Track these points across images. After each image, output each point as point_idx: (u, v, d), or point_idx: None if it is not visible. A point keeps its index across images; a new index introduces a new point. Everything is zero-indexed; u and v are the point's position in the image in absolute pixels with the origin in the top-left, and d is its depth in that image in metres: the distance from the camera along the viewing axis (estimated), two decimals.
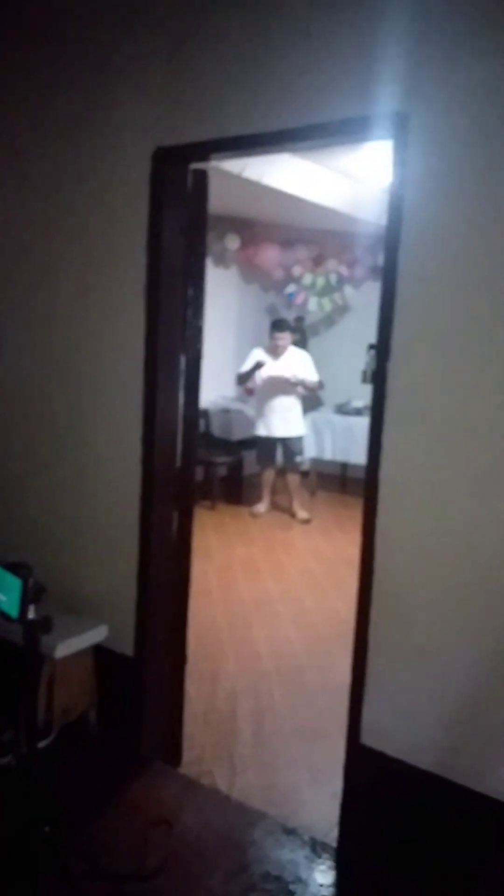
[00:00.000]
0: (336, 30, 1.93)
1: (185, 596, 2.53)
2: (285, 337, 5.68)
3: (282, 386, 5.66)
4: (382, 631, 2.01)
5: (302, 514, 5.91)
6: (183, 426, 2.43)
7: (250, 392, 6.02)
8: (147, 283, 2.36)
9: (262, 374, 5.71)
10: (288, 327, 5.73)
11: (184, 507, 2.47)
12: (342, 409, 6.58)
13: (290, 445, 5.83)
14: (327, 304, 7.08)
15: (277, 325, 5.70)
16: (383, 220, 1.92)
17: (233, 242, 6.66)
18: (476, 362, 1.81)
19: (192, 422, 2.44)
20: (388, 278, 1.89)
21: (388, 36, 1.84)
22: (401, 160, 1.85)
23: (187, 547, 2.49)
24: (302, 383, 5.65)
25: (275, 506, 6.22)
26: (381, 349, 1.93)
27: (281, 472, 6.30)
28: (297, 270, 6.98)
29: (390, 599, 1.99)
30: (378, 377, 1.94)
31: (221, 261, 6.87)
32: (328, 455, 6.54)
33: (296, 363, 5.73)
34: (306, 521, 5.83)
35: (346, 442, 6.39)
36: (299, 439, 5.88)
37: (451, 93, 1.78)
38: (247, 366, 5.74)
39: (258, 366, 5.62)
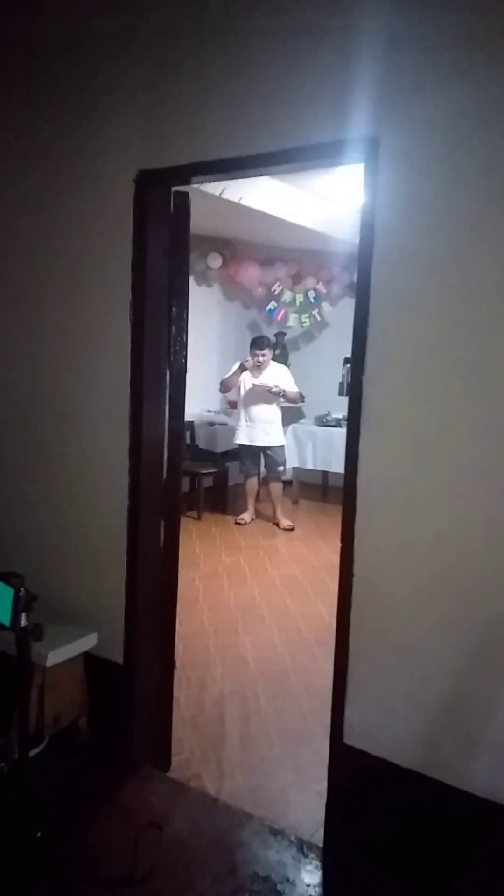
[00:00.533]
0: (311, 58, 1.97)
1: (173, 603, 2.52)
2: (266, 353, 5.71)
3: (264, 396, 5.68)
4: (362, 633, 2.02)
5: (285, 522, 5.91)
6: (168, 438, 2.43)
7: (233, 405, 6.04)
8: (132, 301, 2.37)
9: (244, 385, 5.73)
10: (268, 344, 5.76)
11: (170, 516, 2.46)
12: (322, 421, 6.62)
13: (271, 455, 5.85)
14: (306, 320, 7.13)
15: (257, 343, 5.72)
16: (357, 240, 1.94)
17: (215, 261, 6.69)
18: (447, 370, 1.84)
19: (178, 434, 2.44)
20: (362, 294, 1.92)
21: (360, 64, 1.88)
22: (372, 182, 1.88)
23: (174, 555, 2.49)
24: (283, 393, 5.68)
25: (259, 515, 6.21)
26: (356, 362, 1.95)
27: (264, 482, 6.31)
28: (276, 288, 7.03)
29: (369, 602, 2.00)
30: (354, 389, 1.96)
31: (204, 279, 6.90)
32: (310, 464, 6.56)
33: (277, 376, 5.76)
34: (289, 529, 5.83)
35: (327, 451, 6.42)
36: (281, 448, 5.90)
37: (420, 117, 1.82)
38: (231, 371, 5.77)
39: (246, 364, 5.66)
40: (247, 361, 5.68)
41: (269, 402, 5.73)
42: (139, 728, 2.54)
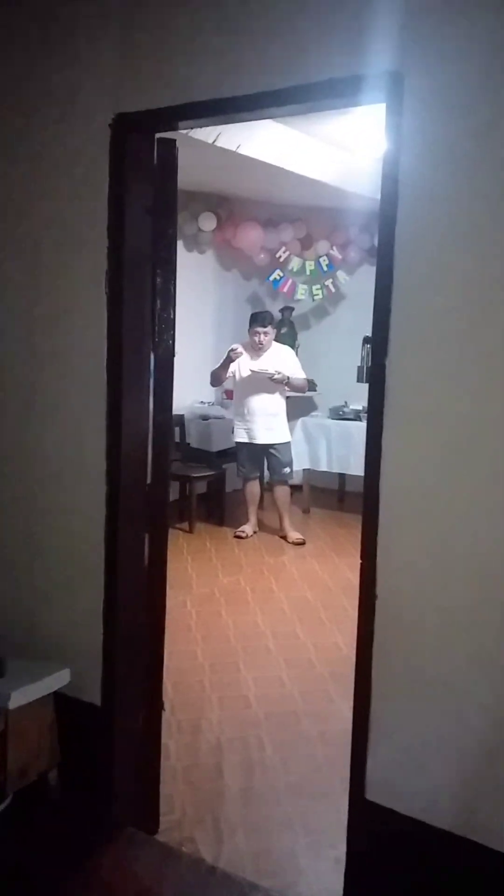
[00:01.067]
0: None
1: (161, 633, 2.53)
2: (267, 331, 5.71)
3: (264, 384, 5.68)
4: (387, 668, 2.02)
5: (294, 535, 5.92)
6: (154, 436, 2.44)
7: (230, 395, 6.05)
8: (108, 271, 2.37)
9: (240, 371, 5.73)
10: (270, 320, 5.77)
11: (157, 529, 2.47)
12: (338, 413, 6.63)
13: (275, 454, 5.86)
14: (318, 293, 7.14)
15: (258, 319, 5.72)
16: (378, 195, 1.94)
17: (207, 223, 6.70)
18: (487, 353, 1.83)
19: (165, 430, 2.44)
20: (384, 261, 1.91)
21: None
22: (395, 126, 1.88)
23: (162, 576, 2.49)
24: (287, 382, 5.68)
25: (262, 526, 6.23)
26: (378, 343, 1.94)
27: (268, 487, 6.31)
28: (282, 254, 7.03)
29: (395, 630, 2.00)
30: (375, 375, 1.96)
31: (195, 244, 6.90)
32: (323, 466, 6.57)
33: (281, 360, 5.76)
34: (299, 543, 5.85)
35: (344, 450, 6.43)
36: (286, 447, 5.90)
37: (452, 48, 1.81)
38: (221, 362, 5.76)
39: (233, 354, 5.62)
40: (234, 350, 5.62)
41: (270, 391, 5.74)
42: (121, 782, 2.54)
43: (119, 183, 2.33)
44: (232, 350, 5.66)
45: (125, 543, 2.46)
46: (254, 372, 5.63)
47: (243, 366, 5.70)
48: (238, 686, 3.53)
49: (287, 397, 5.97)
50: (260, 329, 5.68)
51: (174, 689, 3.43)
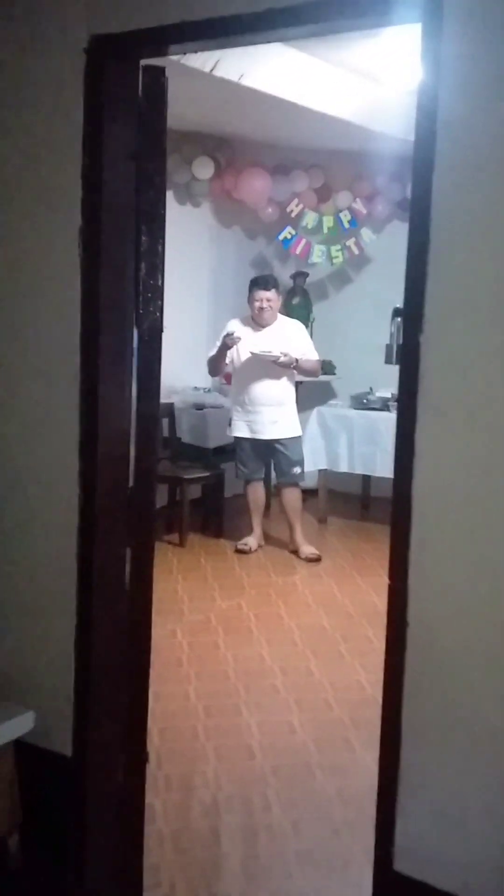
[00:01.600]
0: None
1: (145, 669, 2.53)
2: (270, 297, 5.71)
3: (268, 368, 5.68)
4: (421, 711, 2.02)
5: (307, 549, 5.93)
6: (137, 428, 2.44)
7: (230, 380, 6.06)
8: (83, 228, 2.37)
9: (238, 352, 5.73)
10: (274, 284, 5.78)
11: (141, 543, 2.47)
12: (362, 402, 6.63)
13: (283, 452, 5.87)
14: (338, 255, 7.14)
15: (260, 283, 5.74)
16: (412, 136, 1.94)
17: (204, 170, 6.70)
18: None
19: (150, 422, 2.45)
20: (419, 215, 1.91)
21: None
22: (433, 52, 1.87)
23: (147, 600, 2.50)
24: (296, 364, 5.68)
25: (269, 539, 6.23)
26: (411, 315, 1.94)
27: (276, 491, 6.30)
28: (294, 207, 7.03)
29: (430, 666, 2.00)
30: (407, 355, 1.96)
31: (188, 195, 6.90)
32: (343, 466, 6.58)
33: (287, 337, 5.76)
34: (314, 560, 5.86)
35: (369, 446, 6.44)
36: (296, 443, 5.92)
37: None
38: (217, 347, 5.74)
39: (229, 341, 5.61)
40: (230, 337, 5.59)
41: (276, 375, 5.74)
42: (95, 849, 2.55)
43: (96, 120, 2.32)
44: (227, 336, 5.64)
45: (102, 561, 2.47)
46: (254, 354, 5.62)
47: (243, 347, 5.70)
48: (239, 733, 3.53)
49: (297, 383, 5.98)
50: (262, 294, 5.67)
51: (161, 736, 3.43)
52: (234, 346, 5.69)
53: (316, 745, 3.46)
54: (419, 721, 2.03)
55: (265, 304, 5.68)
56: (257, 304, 5.68)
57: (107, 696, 2.51)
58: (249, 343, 5.66)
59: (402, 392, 1.98)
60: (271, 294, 5.70)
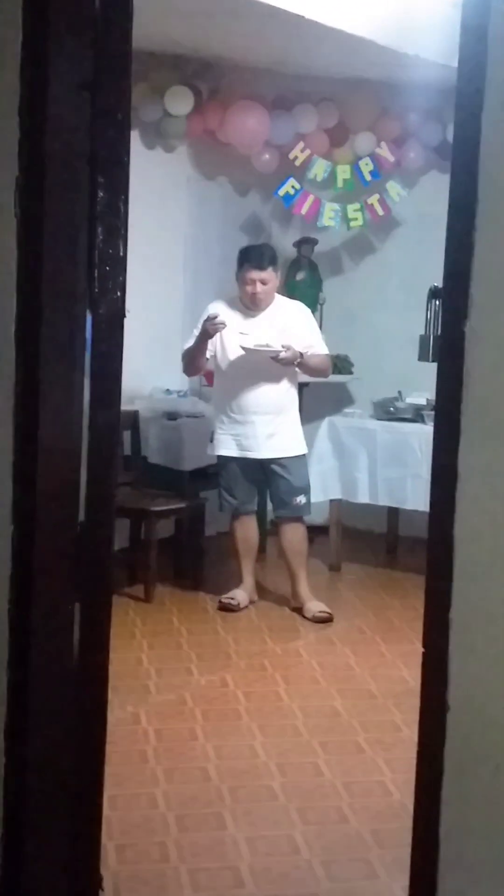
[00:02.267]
0: None
1: (98, 766, 2.52)
2: (267, 279, 5.74)
3: (263, 366, 5.69)
4: (465, 825, 2.02)
5: (315, 606, 5.95)
6: (90, 446, 2.44)
7: (210, 380, 6.07)
8: (20, 181, 2.37)
9: (224, 346, 5.72)
10: (270, 260, 5.81)
11: (93, 597, 2.47)
12: (388, 411, 6.66)
13: (283, 475, 5.89)
14: (356, 216, 7.18)
15: (252, 257, 5.75)
16: (454, 62, 1.95)
17: (180, 103, 6.74)
18: None
19: (108, 437, 2.45)
20: (463, 165, 1.92)
21: None
22: None
23: (100, 674, 2.50)
24: (300, 359, 5.68)
25: (263, 592, 6.23)
26: (453, 297, 1.95)
27: (272, 528, 6.30)
28: (298, 153, 7.07)
29: (479, 764, 2.00)
30: (448, 349, 1.96)
31: (159, 137, 6.94)
32: (363, 495, 6.60)
33: (287, 326, 5.78)
34: (323, 620, 5.88)
35: (397, 470, 6.47)
36: (299, 463, 5.93)
37: None
38: (195, 337, 5.74)
39: (210, 326, 5.59)
40: (212, 321, 5.58)
41: (274, 377, 5.75)
42: None
43: (38, 39, 2.33)
44: (208, 320, 5.64)
45: (41, 621, 2.45)
46: (246, 350, 5.63)
47: (229, 338, 5.70)
48: (222, 853, 3.52)
49: (302, 385, 6.00)
50: (255, 274, 5.70)
51: (119, 856, 3.42)
52: (218, 335, 5.68)
53: (325, 869, 3.44)
54: (462, 839, 2.02)
55: (259, 288, 5.70)
56: (249, 287, 5.71)
57: (47, 804, 2.50)
58: (238, 333, 5.67)
59: (442, 398, 1.99)
60: (267, 273, 5.73)
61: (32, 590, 2.44)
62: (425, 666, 2.04)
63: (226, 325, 5.65)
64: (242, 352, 5.65)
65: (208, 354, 5.79)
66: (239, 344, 5.66)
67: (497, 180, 1.91)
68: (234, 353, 5.72)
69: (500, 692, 1.98)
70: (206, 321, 5.67)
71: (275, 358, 5.62)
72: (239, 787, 3.97)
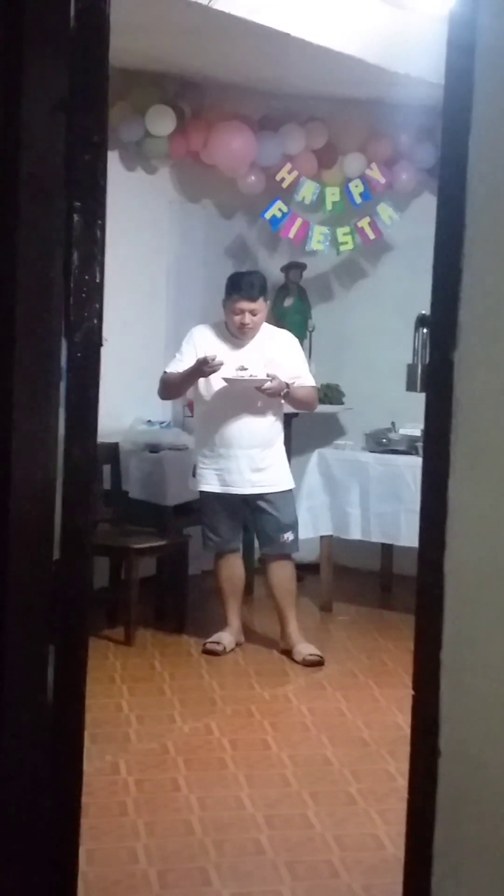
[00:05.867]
0: None
1: (73, 819, 2.51)
2: (256, 309, 5.76)
3: (248, 398, 5.72)
4: (455, 871, 2.01)
5: (305, 649, 5.95)
6: (66, 480, 2.44)
7: (191, 407, 6.08)
8: None
9: (212, 381, 5.72)
10: (261, 290, 5.82)
11: (69, 640, 2.46)
12: (381, 442, 6.67)
13: (269, 511, 5.90)
14: (346, 239, 7.21)
15: (243, 288, 5.74)
16: (442, 79, 1.97)
17: (162, 123, 6.77)
18: None
19: (85, 471, 2.44)
20: (450, 186, 1.94)
21: None
22: None
23: (76, 721, 2.49)
24: (286, 391, 5.71)
25: (250, 635, 6.22)
26: (441, 324, 1.96)
27: (260, 567, 6.29)
28: (286, 175, 7.10)
29: (473, 814, 1.99)
30: (436, 378, 1.98)
31: (140, 159, 6.98)
32: (355, 531, 6.59)
33: (274, 356, 5.81)
34: (314, 664, 5.87)
35: (391, 505, 6.46)
36: (286, 498, 5.95)
37: None
38: (179, 363, 5.74)
39: (207, 369, 5.58)
40: (209, 364, 5.55)
41: (259, 409, 5.76)
42: None
43: (11, 57, 2.35)
44: (205, 362, 5.60)
45: (14, 662, 2.45)
46: (228, 381, 5.64)
47: (213, 376, 5.71)
48: None
49: (291, 415, 6.00)
50: (245, 305, 5.72)
51: None
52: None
53: None
54: (455, 891, 2.01)
55: (248, 319, 5.72)
56: (237, 317, 5.72)
57: (18, 858, 2.48)
58: (237, 369, 5.68)
59: (430, 429, 2.00)
60: (258, 304, 5.76)
61: (4, 630, 2.44)
62: (415, 709, 2.03)
63: (223, 365, 5.64)
64: (226, 383, 5.66)
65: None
66: (221, 376, 5.66)
67: (486, 203, 1.93)
68: (217, 383, 5.73)
69: (494, 737, 1.98)
70: (201, 362, 5.64)
71: (260, 388, 5.63)
72: (224, 840, 3.95)
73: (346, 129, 7.23)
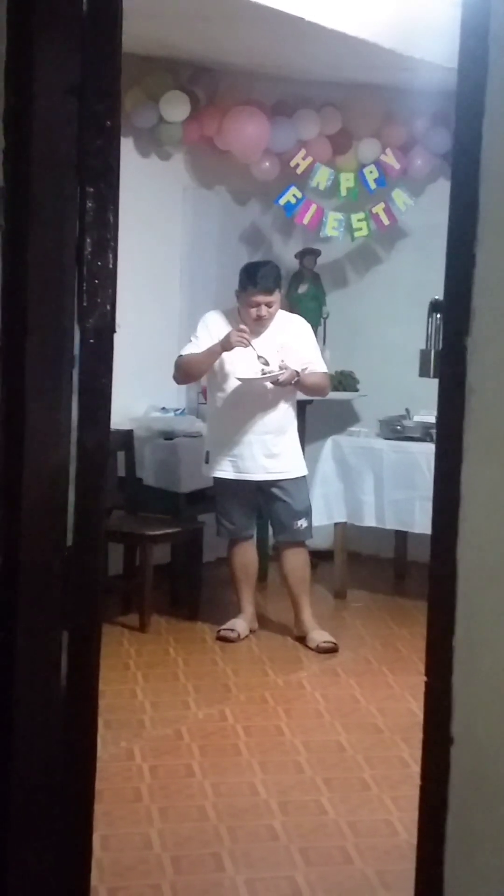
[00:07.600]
0: None
1: (87, 805, 2.52)
2: (272, 301, 5.75)
3: (262, 390, 5.74)
4: (470, 866, 2.01)
5: (319, 636, 5.96)
6: (79, 467, 2.44)
7: (205, 394, 6.08)
8: (5, 191, 2.38)
9: (224, 365, 5.73)
10: (276, 283, 5.82)
11: (83, 626, 2.47)
12: (395, 429, 6.66)
13: (283, 498, 5.90)
14: (361, 226, 7.19)
15: (259, 280, 5.72)
16: (456, 64, 1.97)
17: (176, 109, 6.75)
18: None
19: (98, 458, 2.45)
20: (463, 172, 1.93)
21: None
22: None
23: (90, 707, 2.49)
24: (297, 378, 5.71)
25: (264, 622, 6.22)
26: (454, 310, 1.96)
27: (273, 554, 6.29)
28: (300, 160, 7.08)
29: (485, 801, 1.99)
30: (449, 364, 1.97)
31: (154, 144, 6.96)
32: (370, 518, 6.59)
33: (287, 342, 5.82)
34: (328, 651, 5.89)
35: (405, 492, 6.45)
36: (300, 485, 5.95)
37: None
38: (196, 345, 5.75)
39: (231, 342, 5.59)
40: (240, 335, 5.57)
41: (272, 401, 5.78)
42: None
43: (23, 42, 2.35)
44: (237, 333, 5.59)
45: (27, 648, 2.45)
46: (243, 381, 5.65)
47: (228, 364, 5.72)
48: (220, 895, 3.51)
49: (305, 402, 6.00)
50: (261, 298, 5.71)
51: None
52: (220, 361, 5.71)
53: None
54: (468, 883, 2.02)
55: (264, 312, 5.71)
56: (254, 310, 5.71)
57: (32, 844, 2.49)
58: (237, 359, 5.67)
59: (443, 416, 1.99)
60: (274, 297, 5.75)
61: (17, 616, 2.44)
62: (428, 696, 2.03)
63: (249, 344, 5.65)
64: (241, 381, 5.67)
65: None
66: (236, 377, 5.68)
67: (500, 188, 1.92)
68: (232, 380, 5.75)
69: (501, 725, 1.98)
70: (230, 334, 5.63)
71: (275, 383, 5.66)
72: (238, 826, 3.96)
73: (361, 115, 7.20)
